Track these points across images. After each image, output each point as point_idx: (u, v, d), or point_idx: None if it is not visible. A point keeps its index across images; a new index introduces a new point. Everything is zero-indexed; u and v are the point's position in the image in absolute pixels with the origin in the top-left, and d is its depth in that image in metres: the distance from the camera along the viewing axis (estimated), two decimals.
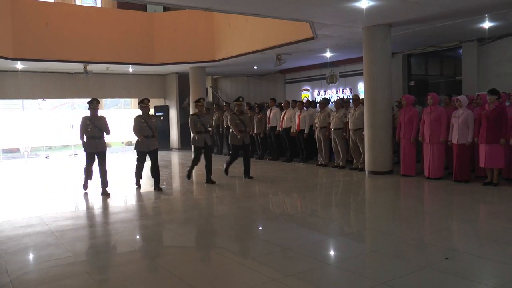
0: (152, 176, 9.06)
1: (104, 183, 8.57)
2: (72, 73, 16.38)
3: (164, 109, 18.72)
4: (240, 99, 10.08)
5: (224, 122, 14.73)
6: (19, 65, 14.32)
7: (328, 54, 13.48)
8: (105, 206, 7.71)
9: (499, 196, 7.64)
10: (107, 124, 8.61)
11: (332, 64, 14.78)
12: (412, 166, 9.57)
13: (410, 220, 6.37)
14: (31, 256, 5.10)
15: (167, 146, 18.45)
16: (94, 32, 14.03)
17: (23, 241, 5.55)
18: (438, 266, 4.26)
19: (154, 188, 8.93)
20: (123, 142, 21.41)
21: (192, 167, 9.74)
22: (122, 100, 21.85)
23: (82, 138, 8.50)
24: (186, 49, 15.00)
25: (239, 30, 13.43)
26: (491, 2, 7.84)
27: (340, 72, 15.39)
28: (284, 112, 12.89)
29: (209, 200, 8.27)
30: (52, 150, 19.47)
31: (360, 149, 10.52)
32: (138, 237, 5.89)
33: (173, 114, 18.57)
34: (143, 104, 8.91)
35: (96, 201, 8.11)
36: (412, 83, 13.38)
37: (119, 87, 17.89)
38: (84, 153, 8.69)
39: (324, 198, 8.30)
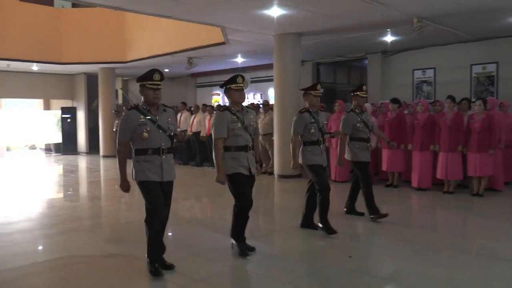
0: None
1: (161, 242, 4.45)
2: None
3: (72, 111, 17.84)
4: (364, 87, 6.27)
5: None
6: None
7: (239, 60, 13.60)
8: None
9: (398, 197, 8.13)
10: (177, 123, 4.49)
11: (243, 69, 14.93)
12: None
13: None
14: None
15: (74, 150, 17.61)
16: None
17: None
18: (344, 265, 4.42)
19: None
20: (26, 146, 20.05)
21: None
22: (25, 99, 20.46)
23: (122, 151, 4.21)
24: (96, 48, 14.36)
25: (151, 31, 13.11)
26: (393, 18, 8.33)
27: (251, 78, 15.56)
28: (194, 116, 12.78)
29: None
30: None
31: (270, 153, 10.71)
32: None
33: (81, 116, 17.71)
34: (237, 85, 4.70)
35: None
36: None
37: (22, 86, 16.69)
38: (138, 186, 4.27)
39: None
